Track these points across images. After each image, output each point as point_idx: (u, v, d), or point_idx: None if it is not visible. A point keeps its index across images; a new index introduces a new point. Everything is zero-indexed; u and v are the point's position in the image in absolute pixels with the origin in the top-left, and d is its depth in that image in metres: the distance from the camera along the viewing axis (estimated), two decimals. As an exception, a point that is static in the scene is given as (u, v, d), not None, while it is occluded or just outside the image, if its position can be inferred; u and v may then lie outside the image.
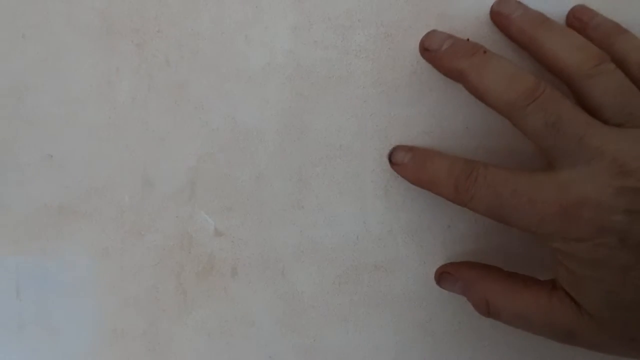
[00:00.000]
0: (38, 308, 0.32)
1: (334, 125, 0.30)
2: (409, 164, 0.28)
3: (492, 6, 0.28)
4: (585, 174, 0.23)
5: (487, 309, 0.27)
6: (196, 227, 0.31)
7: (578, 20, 0.28)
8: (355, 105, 0.29)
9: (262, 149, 0.30)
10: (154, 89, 0.29)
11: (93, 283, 0.31)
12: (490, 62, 0.25)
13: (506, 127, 0.28)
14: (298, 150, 0.30)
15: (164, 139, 0.30)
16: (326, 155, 0.30)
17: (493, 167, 0.25)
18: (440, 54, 0.27)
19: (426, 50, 0.27)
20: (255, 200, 0.30)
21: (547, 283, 0.26)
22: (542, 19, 0.26)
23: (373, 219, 0.30)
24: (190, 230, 0.31)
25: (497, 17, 0.28)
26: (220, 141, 0.30)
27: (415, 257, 0.30)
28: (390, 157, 0.29)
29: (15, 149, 0.30)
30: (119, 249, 0.31)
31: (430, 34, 0.27)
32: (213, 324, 0.32)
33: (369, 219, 0.30)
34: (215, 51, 0.29)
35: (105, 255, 0.31)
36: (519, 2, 0.27)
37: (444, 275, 0.29)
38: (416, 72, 0.29)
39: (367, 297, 0.31)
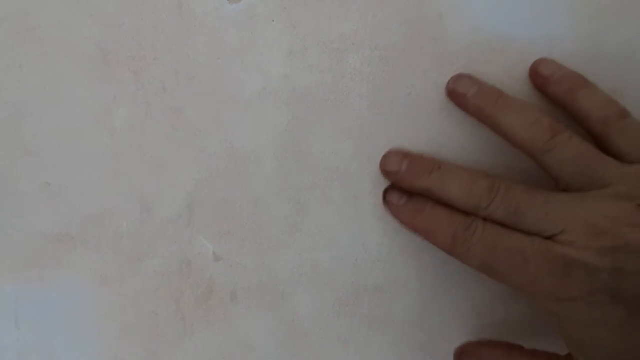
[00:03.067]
0: (37, 336, 0.31)
1: (330, 147, 0.30)
2: (405, 207, 0.28)
3: (448, 84, 0.28)
4: (566, 240, 0.24)
5: None
6: (195, 252, 0.31)
7: (539, 77, 0.28)
8: (351, 127, 0.29)
9: (259, 173, 0.30)
10: (151, 115, 0.30)
11: (92, 310, 0.31)
12: (447, 175, 0.27)
13: (501, 146, 0.28)
14: (295, 174, 0.30)
15: (162, 164, 0.30)
16: (323, 177, 0.30)
17: (490, 223, 0.26)
18: (401, 175, 0.28)
19: (388, 172, 0.29)
20: (254, 224, 0.30)
21: (567, 359, 0.26)
22: (497, 96, 0.27)
23: (371, 240, 0.30)
24: (189, 255, 0.31)
25: (453, 95, 0.28)
26: (217, 166, 0.30)
27: (415, 279, 0.30)
28: (385, 196, 0.29)
29: (14, 177, 0.30)
30: (118, 276, 0.31)
31: (387, 156, 0.29)
32: (213, 349, 0.31)
33: (368, 240, 0.30)
34: (211, 77, 0.29)
35: (104, 282, 0.31)
36: (474, 79, 0.28)
37: (465, 355, 0.30)
38: (411, 93, 0.29)
39: (367, 319, 0.31)
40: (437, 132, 0.29)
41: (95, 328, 0.31)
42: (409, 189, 0.28)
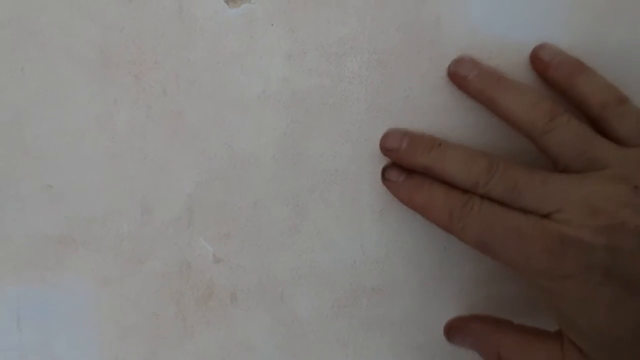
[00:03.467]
0: (39, 338, 0.32)
1: (329, 150, 0.30)
2: (404, 183, 0.29)
3: (449, 67, 0.29)
4: (562, 219, 0.24)
5: None
6: (195, 254, 0.31)
7: (540, 61, 0.28)
8: (349, 130, 0.30)
9: (259, 175, 0.30)
10: (152, 118, 0.30)
11: (93, 311, 0.31)
12: (446, 153, 0.27)
13: (498, 148, 0.29)
14: (294, 176, 0.30)
15: (162, 167, 0.30)
16: (322, 180, 0.30)
17: (488, 201, 0.26)
18: (401, 152, 0.28)
19: (388, 150, 0.29)
20: (253, 226, 0.31)
21: (558, 336, 0.26)
22: (497, 78, 0.28)
23: (370, 242, 0.31)
24: (189, 257, 0.31)
25: (454, 78, 0.29)
26: (217, 168, 0.30)
27: (413, 280, 0.31)
28: (384, 173, 0.29)
29: (16, 180, 0.30)
30: (119, 277, 0.31)
31: (388, 134, 0.29)
32: (213, 350, 0.32)
33: (366, 242, 0.31)
34: (211, 80, 0.30)
35: (105, 284, 0.31)
36: (475, 62, 0.28)
37: (453, 330, 0.30)
38: (409, 97, 0.29)
39: (365, 320, 0.31)
40: (435, 134, 0.30)
41: (96, 329, 0.31)
42: (409, 166, 0.28)
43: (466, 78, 0.28)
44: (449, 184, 0.27)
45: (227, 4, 0.29)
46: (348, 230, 0.30)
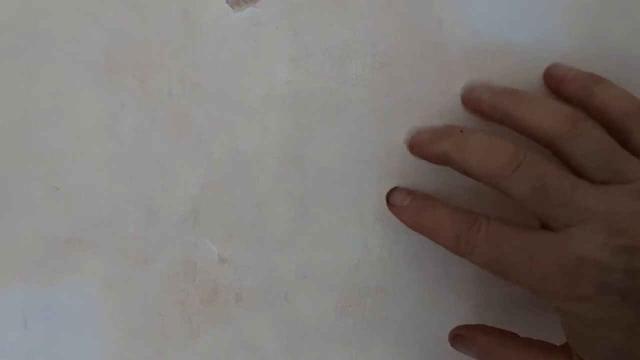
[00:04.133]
0: (45, 338, 0.32)
1: (333, 152, 0.30)
2: (408, 207, 0.28)
3: (463, 96, 0.29)
4: (580, 235, 0.23)
5: None
6: (200, 254, 0.31)
7: (553, 78, 0.28)
8: (353, 132, 0.30)
9: (263, 177, 0.31)
10: (158, 121, 0.30)
11: (99, 312, 0.32)
12: (468, 138, 0.26)
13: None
14: (298, 178, 0.30)
15: (168, 169, 0.31)
16: (326, 181, 0.30)
17: (495, 221, 0.25)
18: (424, 142, 0.28)
19: (412, 147, 0.29)
20: (258, 227, 0.31)
21: (564, 351, 0.26)
22: (510, 92, 0.27)
23: (373, 242, 0.31)
24: (195, 258, 0.31)
25: (468, 102, 0.28)
26: (222, 170, 0.31)
27: (417, 280, 0.31)
28: (388, 199, 0.29)
29: (23, 182, 0.31)
30: (125, 278, 0.31)
31: (414, 133, 0.29)
32: (218, 350, 0.32)
33: (369, 242, 0.31)
34: (216, 83, 0.30)
35: (111, 285, 0.31)
36: (487, 86, 0.28)
37: (458, 338, 0.29)
38: (412, 99, 0.30)
39: (369, 320, 0.31)
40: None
41: (102, 329, 0.32)
42: (431, 155, 0.28)
43: (480, 99, 0.27)
44: (469, 176, 0.26)
45: (232, 8, 0.29)
46: (351, 231, 0.31)
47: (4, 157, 0.31)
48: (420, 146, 0.28)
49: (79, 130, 0.30)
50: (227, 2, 0.29)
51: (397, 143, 0.30)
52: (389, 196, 0.29)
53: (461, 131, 0.26)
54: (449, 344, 0.30)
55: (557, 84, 0.28)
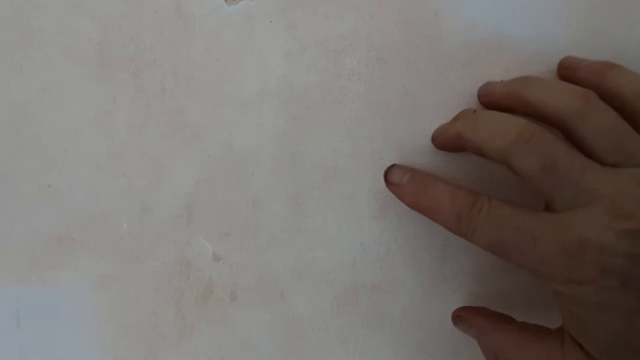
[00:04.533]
0: (38, 337, 0.32)
1: (328, 147, 0.30)
2: (407, 186, 0.28)
3: (478, 94, 0.29)
4: (585, 217, 0.23)
5: None
6: (194, 252, 0.31)
7: (567, 69, 0.28)
8: (349, 127, 0.30)
9: (258, 173, 0.30)
10: (151, 116, 0.30)
11: (93, 310, 0.31)
12: (479, 116, 0.26)
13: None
14: (294, 174, 0.30)
15: (161, 165, 0.30)
16: (322, 177, 0.30)
17: (497, 201, 0.25)
18: (440, 128, 0.28)
19: (433, 138, 0.29)
20: (253, 225, 0.31)
21: (558, 333, 0.26)
22: (522, 78, 0.27)
23: (370, 240, 0.30)
24: (189, 255, 0.31)
25: (484, 98, 0.28)
26: (216, 167, 0.30)
27: (413, 277, 0.31)
28: (387, 176, 0.29)
29: (15, 179, 0.30)
30: (118, 276, 0.31)
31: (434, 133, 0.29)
32: (213, 349, 0.32)
33: (366, 240, 0.30)
34: (210, 78, 0.30)
35: (104, 283, 0.31)
36: (502, 82, 0.28)
37: (459, 320, 0.29)
38: (408, 93, 0.29)
39: (366, 318, 0.31)
40: (433, 132, 0.29)
41: (95, 328, 0.31)
42: (445, 140, 0.28)
43: (494, 91, 0.27)
44: (480, 154, 0.25)
45: (226, 1, 0.29)
46: (348, 228, 0.30)
47: (-4, 154, 0.30)
48: (439, 135, 0.28)
49: (71, 126, 0.30)
50: (220, -4, 0.29)
51: (393, 138, 0.30)
52: (387, 174, 0.29)
53: (474, 111, 0.26)
54: (445, 342, 0.30)
55: (570, 73, 0.27)
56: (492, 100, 0.28)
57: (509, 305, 0.30)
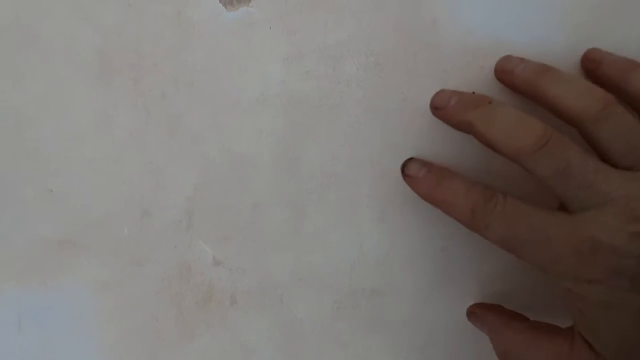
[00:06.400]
0: (40, 341, 0.32)
1: (327, 153, 0.30)
2: (424, 178, 0.28)
3: (496, 66, 0.28)
4: (598, 219, 0.23)
5: None
6: (195, 256, 0.31)
7: (591, 62, 0.27)
8: (348, 132, 0.30)
9: (257, 178, 0.30)
10: (151, 122, 0.30)
11: (94, 314, 0.31)
12: (496, 111, 0.25)
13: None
14: (293, 179, 0.30)
15: (162, 170, 0.30)
16: (321, 182, 0.30)
17: (512, 198, 0.25)
18: (449, 109, 0.27)
19: (436, 108, 0.28)
20: (252, 229, 0.31)
21: (568, 333, 0.26)
22: (545, 69, 0.26)
23: (369, 244, 0.31)
24: (189, 259, 0.31)
25: (501, 74, 0.28)
26: (216, 171, 0.30)
27: (412, 281, 0.31)
28: (404, 169, 0.29)
29: (17, 184, 0.31)
30: (119, 280, 0.31)
31: (438, 93, 0.28)
32: (213, 353, 0.32)
33: (365, 244, 0.31)
34: (210, 84, 0.30)
35: (105, 287, 0.31)
36: (521, 58, 0.27)
37: (473, 317, 0.30)
38: (407, 98, 0.30)
39: (365, 322, 0.31)
40: (433, 136, 0.30)
41: (96, 332, 0.32)
42: (455, 124, 0.27)
43: (513, 72, 0.27)
44: (492, 148, 0.25)
45: (225, 8, 0.29)
46: (347, 232, 0.31)
47: (-3, 159, 0.31)
48: (446, 111, 0.27)
49: (72, 131, 0.30)
50: (220, 2, 0.29)
51: (392, 143, 0.30)
52: (404, 166, 0.29)
53: (490, 102, 0.26)
54: (445, 345, 0.30)
55: (594, 66, 0.27)
56: (509, 82, 0.27)
57: (511, 308, 0.31)
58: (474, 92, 0.27)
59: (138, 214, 0.31)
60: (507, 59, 0.28)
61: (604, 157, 0.25)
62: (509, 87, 0.28)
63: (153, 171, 0.30)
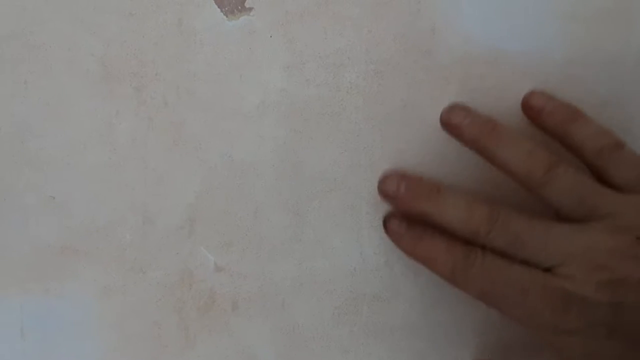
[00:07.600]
0: (42, 347, 0.32)
1: (328, 159, 0.30)
2: (406, 235, 0.28)
3: (442, 115, 0.28)
4: (565, 273, 0.24)
5: None
6: (196, 263, 0.31)
7: (532, 109, 0.28)
8: (348, 139, 0.30)
9: (258, 184, 0.31)
10: (153, 129, 0.30)
11: (96, 321, 0.32)
12: (446, 199, 0.27)
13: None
14: (294, 185, 0.31)
15: (164, 177, 0.31)
16: (321, 188, 0.31)
17: (490, 254, 0.26)
18: (400, 198, 0.28)
19: (385, 195, 0.28)
20: (254, 235, 0.31)
21: None
22: (491, 126, 0.27)
23: (369, 250, 0.31)
24: (191, 266, 0.31)
25: (447, 126, 0.28)
26: (218, 178, 0.31)
27: (413, 287, 0.31)
28: (385, 223, 0.29)
29: (19, 191, 0.31)
30: (121, 287, 0.31)
31: (385, 178, 0.29)
32: (215, 359, 0.32)
33: (366, 250, 0.31)
34: (211, 91, 0.30)
35: (107, 293, 0.31)
36: (467, 109, 0.28)
37: None
38: (406, 106, 0.30)
39: (366, 327, 0.31)
40: (432, 144, 0.30)
41: (99, 338, 0.32)
42: (407, 213, 0.28)
43: (459, 126, 0.27)
44: (449, 233, 0.26)
45: (226, 17, 0.29)
46: (347, 238, 0.31)
47: (0, 166, 0.31)
48: (398, 201, 0.28)
49: (74, 138, 0.30)
50: (221, 11, 0.29)
51: (392, 150, 0.30)
52: (386, 221, 0.29)
53: (438, 190, 0.27)
54: (445, 351, 0.30)
55: (535, 115, 0.28)
56: (456, 135, 0.28)
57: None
58: (421, 178, 0.28)
59: (140, 220, 0.31)
60: (451, 110, 0.28)
61: (559, 214, 0.26)
62: (457, 139, 0.28)
63: (155, 178, 0.31)
